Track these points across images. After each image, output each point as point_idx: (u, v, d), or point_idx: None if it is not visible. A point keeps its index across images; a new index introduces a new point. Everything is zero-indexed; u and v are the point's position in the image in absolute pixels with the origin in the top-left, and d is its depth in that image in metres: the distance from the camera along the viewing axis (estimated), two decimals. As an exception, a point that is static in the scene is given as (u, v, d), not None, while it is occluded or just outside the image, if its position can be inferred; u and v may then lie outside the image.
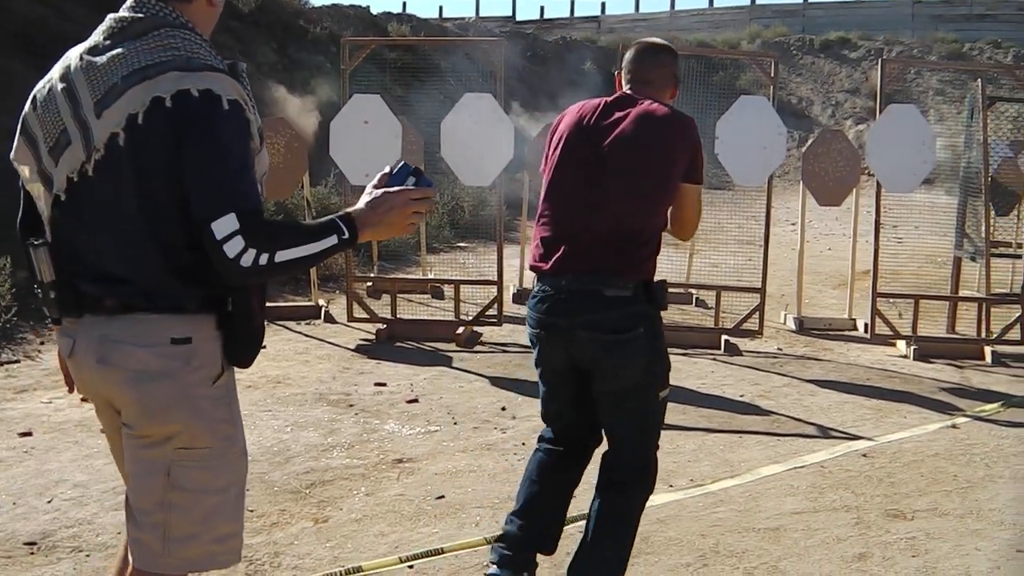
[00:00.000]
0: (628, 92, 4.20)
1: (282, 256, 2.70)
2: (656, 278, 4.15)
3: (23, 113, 2.91)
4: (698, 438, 6.73)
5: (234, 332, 2.85)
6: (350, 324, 10.01)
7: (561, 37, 32.91)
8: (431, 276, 12.04)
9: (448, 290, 10.83)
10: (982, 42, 34.71)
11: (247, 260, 2.64)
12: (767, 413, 6.37)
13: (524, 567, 4.32)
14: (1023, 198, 11.44)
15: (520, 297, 11.65)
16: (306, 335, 9.84)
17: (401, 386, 7.97)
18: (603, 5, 47.04)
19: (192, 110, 2.67)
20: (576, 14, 41.67)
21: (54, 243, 2.85)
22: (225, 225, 2.62)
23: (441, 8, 42.55)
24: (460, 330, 9.51)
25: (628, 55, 4.31)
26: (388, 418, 7.12)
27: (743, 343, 9.92)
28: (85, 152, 2.75)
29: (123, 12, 2.83)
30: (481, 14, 39.50)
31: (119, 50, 2.75)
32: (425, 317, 10.46)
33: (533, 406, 7.32)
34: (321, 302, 10.75)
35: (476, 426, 6.97)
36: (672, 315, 10.84)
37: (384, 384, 8.02)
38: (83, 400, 3.18)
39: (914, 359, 9.56)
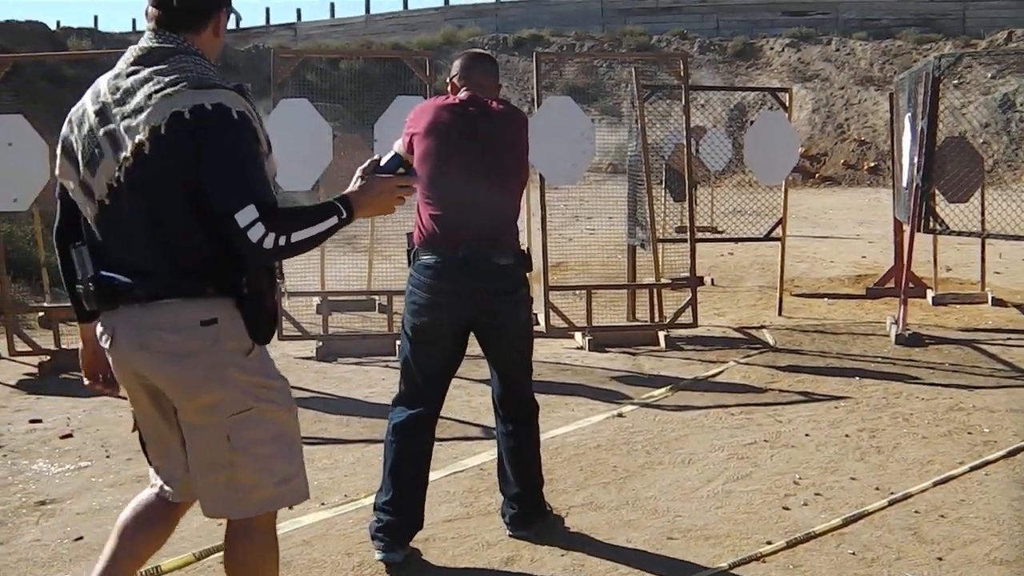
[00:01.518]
0: (473, 94, 5.04)
1: (297, 236, 3.21)
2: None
3: (62, 134, 3.39)
4: (358, 450, 6.57)
5: (249, 311, 3.30)
6: (13, 359, 9.41)
7: (254, 46, 32.38)
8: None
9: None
10: (669, 34, 36.02)
11: (268, 242, 3.14)
12: (434, 418, 6.31)
13: (403, 545, 4.95)
14: (699, 184, 11.75)
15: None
16: (-39, 374, 9.17)
17: (58, 421, 7.52)
18: (299, 12, 46.56)
19: (207, 120, 3.16)
20: (272, 21, 41.04)
21: (94, 243, 3.32)
22: (247, 215, 3.11)
23: (134, 21, 41.02)
24: (128, 356, 9.05)
25: (460, 63, 5.17)
26: (38, 457, 6.70)
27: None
28: (116, 163, 3.21)
29: (144, 42, 3.34)
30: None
31: (143, 74, 3.25)
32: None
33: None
34: (-18, 336, 10.07)
35: (130, 457, 6.57)
36: (352, 323, 10.70)
37: (40, 420, 7.54)
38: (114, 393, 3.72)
39: (589, 350, 9.66)
